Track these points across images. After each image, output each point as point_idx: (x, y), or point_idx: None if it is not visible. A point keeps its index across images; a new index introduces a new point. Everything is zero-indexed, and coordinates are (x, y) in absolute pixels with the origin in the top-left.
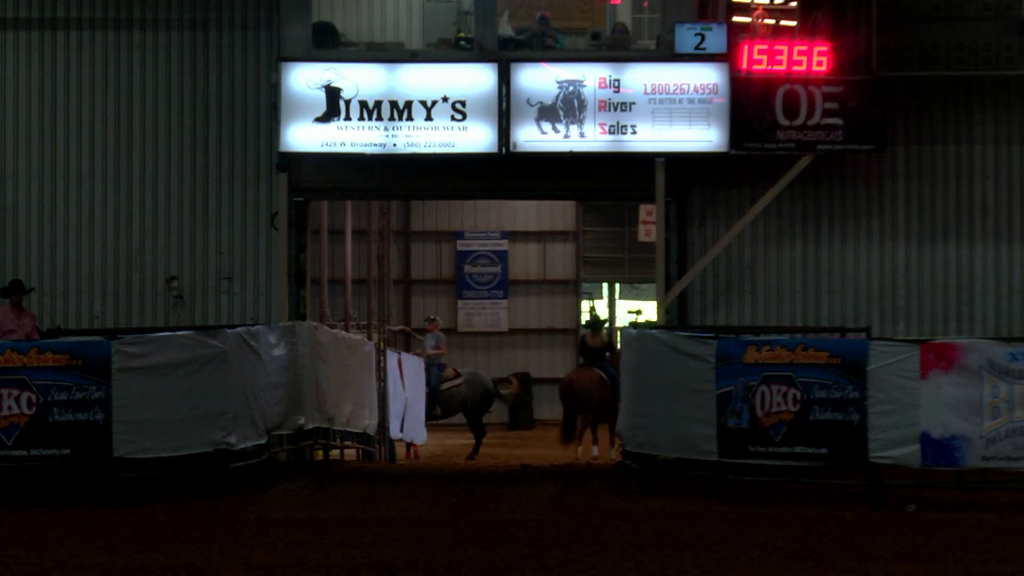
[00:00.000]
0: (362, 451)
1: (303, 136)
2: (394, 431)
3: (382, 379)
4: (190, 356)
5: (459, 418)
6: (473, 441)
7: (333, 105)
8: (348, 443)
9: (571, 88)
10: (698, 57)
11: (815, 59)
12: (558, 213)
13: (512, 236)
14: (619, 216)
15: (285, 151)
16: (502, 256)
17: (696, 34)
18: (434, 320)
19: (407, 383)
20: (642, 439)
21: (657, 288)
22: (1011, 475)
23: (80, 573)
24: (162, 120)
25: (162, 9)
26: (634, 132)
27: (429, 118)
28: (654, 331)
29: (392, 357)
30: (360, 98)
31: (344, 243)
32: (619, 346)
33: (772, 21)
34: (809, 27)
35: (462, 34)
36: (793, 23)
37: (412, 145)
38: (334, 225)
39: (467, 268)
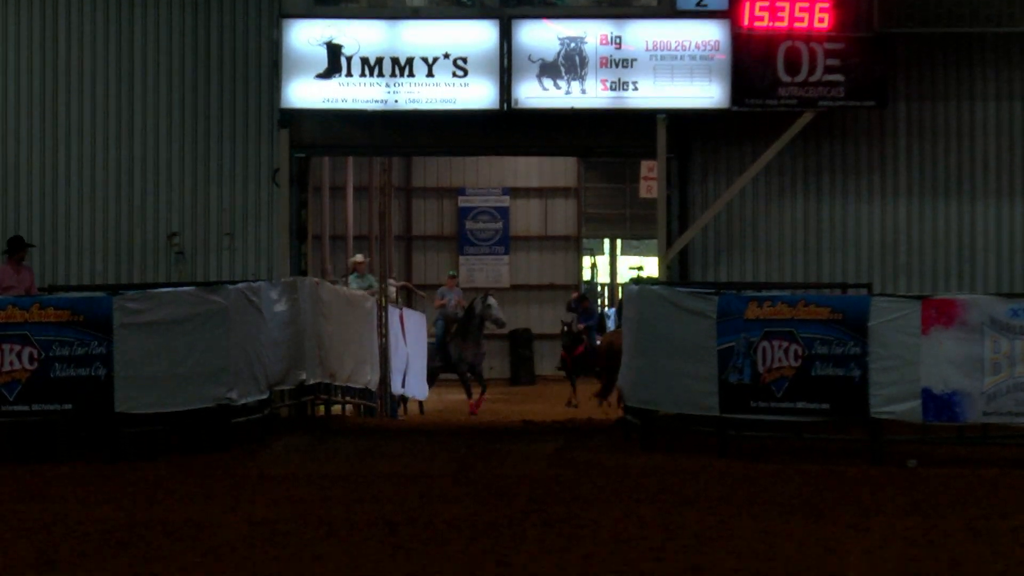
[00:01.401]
0: (363, 407)
1: (304, 93)
2: (395, 387)
3: (383, 335)
4: (192, 312)
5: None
6: (465, 397)
7: (334, 62)
8: (349, 399)
9: (572, 45)
10: (700, 14)
11: (817, 15)
12: (559, 169)
13: (513, 192)
14: (620, 172)
15: (286, 108)
16: (503, 212)
17: None
18: (454, 276)
19: (408, 339)
20: (643, 395)
21: (658, 244)
22: (1012, 431)
23: (81, 528)
24: (164, 77)
25: None
26: (635, 89)
27: (430, 75)
28: (656, 287)
29: (393, 313)
30: (361, 55)
31: (345, 199)
32: None
33: None
34: None
35: None
36: None
37: (413, 102)
38: (335, 181)
39: (468, 224)
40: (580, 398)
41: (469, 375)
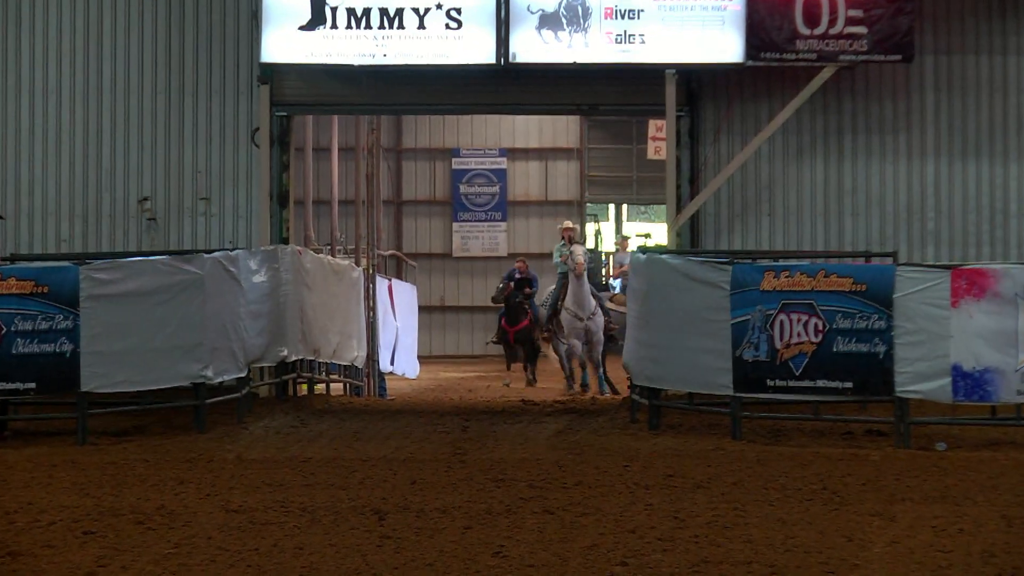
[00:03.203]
0: (350, 385)
1: (286, 46)
2: (384, 364)
3: (371, 308)
4: (164, 283)
5: (451, 349)
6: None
7: (318, 12)
8: (334, 377)
9: None
10: None
11: None
12: (561, 129)
13: (511, 154)
14: (626, 132)
15: (267, 62)
16: (500, 175)
17: None
18: (628, 238)
19: (398, 312)
20: (651, 373)
21: (667, 210)
22: None
23: (46, 516)
24: (134, 29)
25: None
26: (643, 42)
27: (422, 26)
28: (664, 256)
29: (382, 284)
30: (347, 4)
31: (331, 161)
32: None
33: None
34: None
35: None
36: None
37: (403, 56)
38: (320, 142)
39: (463, 188)
40: (513, 376)
41: None
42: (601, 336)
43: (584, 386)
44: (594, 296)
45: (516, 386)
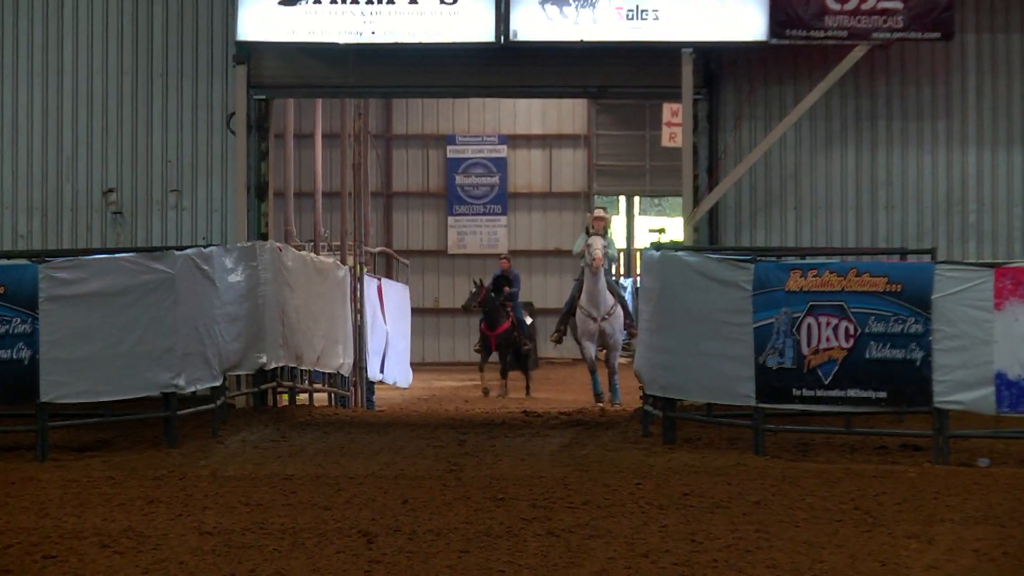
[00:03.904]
0: (335, 395)
1: (264, 22)
2: (373, 372)
3: (359, 310)
4: (131, 283)
5: (446, 356)
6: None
7: None
8: (318, 386)
9: None
10: None
11: None
12: (566, 113)
13: (512, 141)
14: (639, 117)
15: (243, 40)
16: (500, 165)
17: None
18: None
19: (388, 315)
20: (665, 381)
21: (683, 202)
22: None
23: (2, 538)
24: (98, 4)
25: None
26: (656, 18)
27: (414, 1)
28: (680, 253)
29: (371, 284)
30: None
31: (314, 149)
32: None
33: None
34: None
35: None
36: None
37: (393, 33)
38: (302, 128)
39: (459, 179)
40: (498, 385)
41: None
42: (619, 338)
43: (598, 395)
44: (612, 291)
45: (515, 395)
